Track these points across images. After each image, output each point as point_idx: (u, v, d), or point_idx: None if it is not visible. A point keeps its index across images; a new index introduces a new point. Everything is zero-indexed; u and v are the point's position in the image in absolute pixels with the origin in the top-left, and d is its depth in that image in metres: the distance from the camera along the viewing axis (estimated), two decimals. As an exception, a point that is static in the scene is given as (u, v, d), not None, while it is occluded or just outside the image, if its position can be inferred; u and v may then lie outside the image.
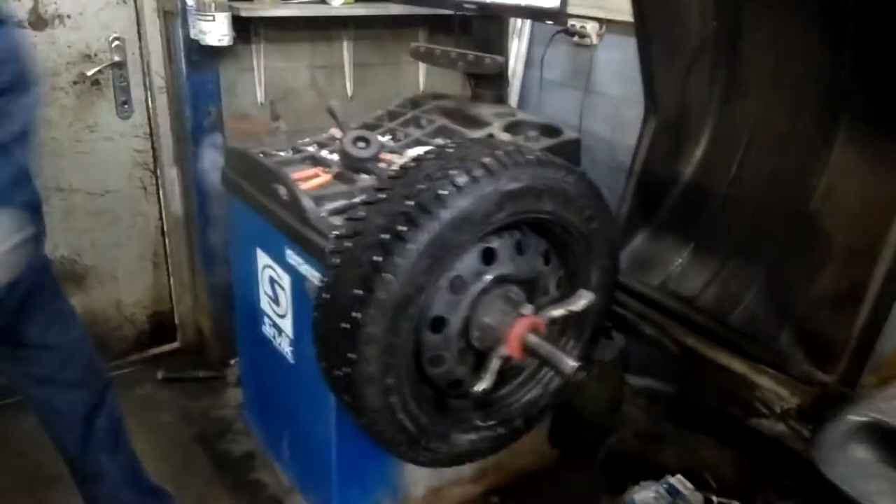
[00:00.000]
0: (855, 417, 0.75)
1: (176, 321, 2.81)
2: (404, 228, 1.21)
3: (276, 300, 1.91)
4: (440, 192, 1.22)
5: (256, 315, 2.04)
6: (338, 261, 1.29)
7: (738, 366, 1.68)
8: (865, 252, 1.62)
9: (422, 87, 2.94)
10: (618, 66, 2.38)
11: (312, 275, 1.63)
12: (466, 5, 1.98)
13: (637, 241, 2.07)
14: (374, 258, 1.22)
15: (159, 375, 2.64)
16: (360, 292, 1.22)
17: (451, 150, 1.34)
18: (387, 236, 1.22)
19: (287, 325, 1.87)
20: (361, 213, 1.30)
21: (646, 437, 1.91)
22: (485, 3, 1.94)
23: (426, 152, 1.38)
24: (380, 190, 1.31)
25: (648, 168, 2.05)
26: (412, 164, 1.34)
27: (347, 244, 1.29)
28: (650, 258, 2.05)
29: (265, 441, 2.27)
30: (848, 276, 1.66)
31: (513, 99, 2.65)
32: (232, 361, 2.65)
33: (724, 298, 1.88)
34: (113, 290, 2.56)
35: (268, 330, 2.01)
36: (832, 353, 1.56)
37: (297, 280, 1.73)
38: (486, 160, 1.27)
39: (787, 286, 1.78)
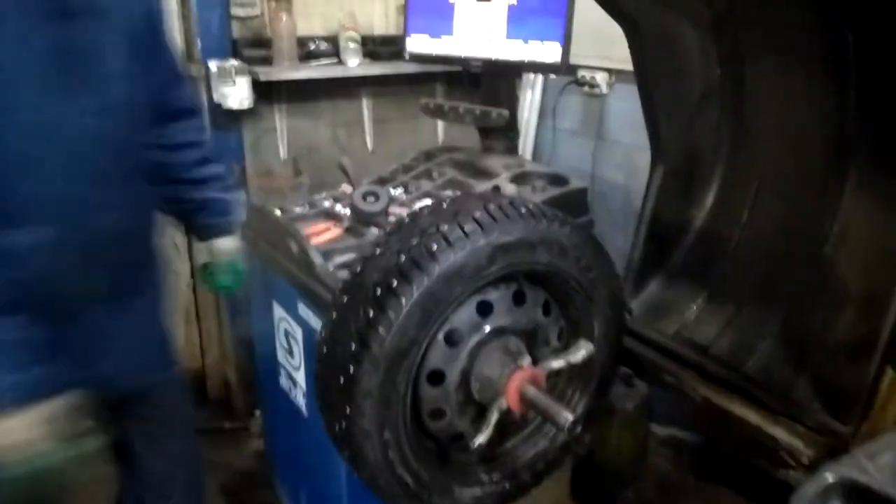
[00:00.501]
0: (831, 475, 0.73)
1: (205, 373, 2.87)
2: (396, 283, 1.23)
3: (290, 353, 1.95)
4: (431, 246, 1.25)
5: (275, 367, 2.08)
6: (335, 315, 1.32)
7: (752, 416, 1.63)
8: (881, 299, 1.58)
9: (440, 140, 3.02)
10: (629, 115, 2.40)
11: (321, 328, 1.67)
12: (473, 63, 2.04)
13: (651, 288, 2.05)
14: (369, 312, 1.24)
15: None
16: (355, 347, 1.24)
17: (445, 205, 1.37)
18: (380, 291, 1.24)
19: (301, 377, 1.91)
20: (358, 268, 1.33)
21: (664, 488, 1.85)
22: (490, 60, 2.00)
23: (422, 207, 1.41)
24: (377, 245, 1.34)
25: (659, 215, 2.04)
26: (408, 218, 1.37)
27: (344, 298, 1.32)
28: (665, 305, 2.03)
29: (285, 493, 2.29)
30: (864, 324, 1.62)
31: (528, 148, 2.69)
32: (256, 412, 2.70)
33: (739, 346, 1.84)
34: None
35: (284, 382, 2.04)
36: (848, 403, 1.51)
37: (309, 333, 1.77)
38: (478, 214, 1.29)
39: (803, 334, 1.73)
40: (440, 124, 2.98)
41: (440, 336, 1.34)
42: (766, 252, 1.89)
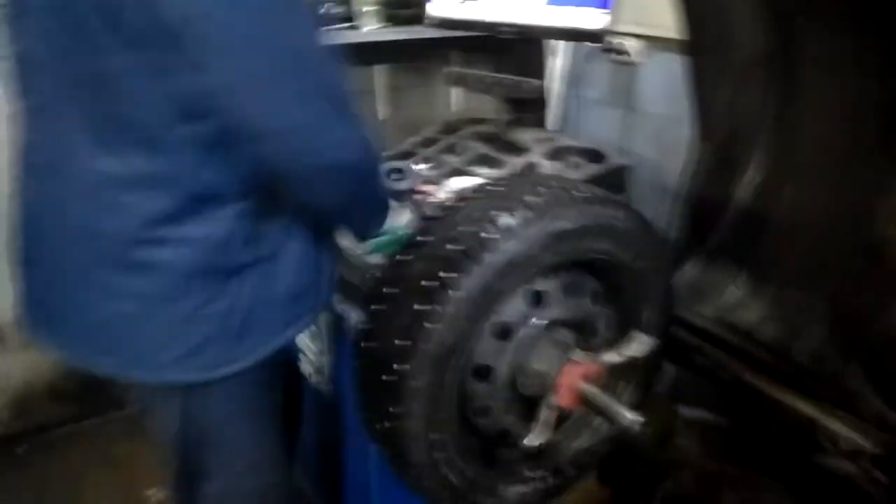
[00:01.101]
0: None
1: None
2: (447, 275, 1.14)
3: (313, 337, 1.86)
4: (483, 235, 1.15)
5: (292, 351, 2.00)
6: (378, 307, 1.23)
7: (805, 408, 1.56)
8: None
9: (454, 108, 2.89)
10: (661, 84, 2.28)
11: (349, 314, 1.58)
12: (503, 28, 1.91)
13: (688, 269, 1.96)
14: (416, 306, 1.15)
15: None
16: (403, 343, 1.15)
17: (493, 188, 1.27)
18: (429, 283, 1.15)
19: (325, 363, 1.82)
20: (401, 257, 1.23)
21: (704, 479, 1.80)
22: (523, 26, 1.87)
23: (466, 189, 1.31)
24: (419, 232, 1.24)
25: (698, 192, 1.95)
26: (452, 203, 1.27)
27: (385, 289, 1.22)
28: (703, 287, 1.94)
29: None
30: (922, 309, 1.55)
31: (552, 120, 2.57)
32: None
33: (785, 331, 1.76)
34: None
35: (305, 367, 1.96)
36: (910, 395, 1.45)
37: (334, 318, 1.68)
38: (530, 199, 1.19)
39: (854, 318, 1.66)
40: (454, 93, 2.85)
41: (488, 329, 1.25)
42: (813, 231, 1.80)
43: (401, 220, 1.54)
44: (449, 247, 1.16)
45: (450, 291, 1.13)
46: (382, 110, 2.69)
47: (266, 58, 0.96)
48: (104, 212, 1.06)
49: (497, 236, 1.15)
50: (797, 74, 1.78)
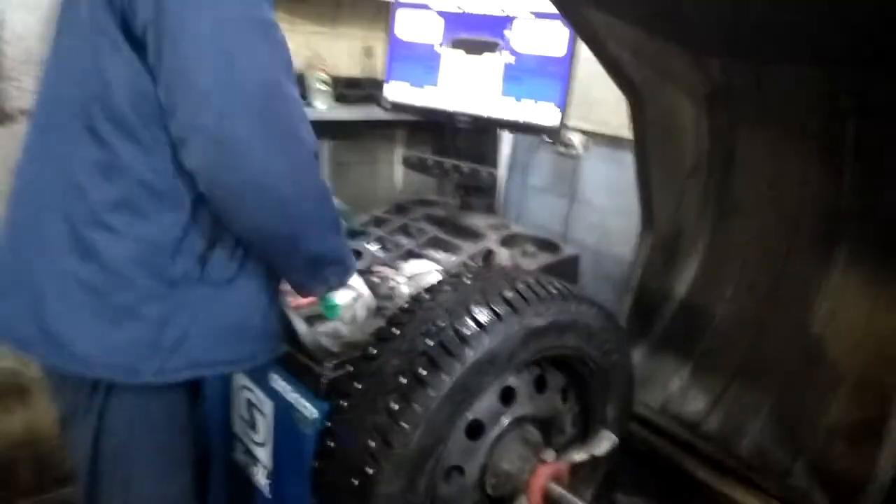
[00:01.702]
0: None
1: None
2: (425, 372, 1.10)
3: (252, 426, 1.73)
4: (463, 330, 1.12)
5: (227, 439, 1.86)
6: (346, 404, 1.16)
7: (749, 502, 1.59)
8: (877, 384, 1.59)
9: (399, 187, 2.90)
10: (603, 177, 2.38)
11: (303, 405, 1.48)
12: (461, 118, 1.94)
13: (634, 358, 2.00)
14: (391, 405, 1.09)
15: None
16: (374, 444, 1.09)
17: (468, 281, 1.25)
18: (405, 380, 1.10)
19: (265, 454, 1.70)
20: (373, 350, 1.18)
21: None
22: (479, 117, 1.91)
23: (440, 282, 1.28)
24: (392, 325, 1.20)
25: (644, 284, 2.01)
26: (426, 295, 1.24)
27: (357, 385, 1.16)
28: (648, 377, 1.98)
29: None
30: (860, 408, 1.62)
31: (496, 204, 2.62)
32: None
33: (731, 425, 1.81)
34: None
35: (241, 457, 1.82)
36: (854, 493, 1.49)
37: (283, 408, 1.57)
38: (509, 294, 1.18)
39: (797, 414, 1.72)
40: (399, 171, 2.86)
41: (461, 428, 1.20)
42: (752, 327, 1.88)
43: (344, 296, 1.42)
44: (428, 342, 1.12)
45: (429, 390, 1.09)
46: (329, 185, 2.65)
47: (212, 62, 1.01)
48: (70, 192, 1.10)
49: (478, 332, 1.12)
50: (736, 179, 1.90)
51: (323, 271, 1.26)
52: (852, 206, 1.66)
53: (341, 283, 1.32)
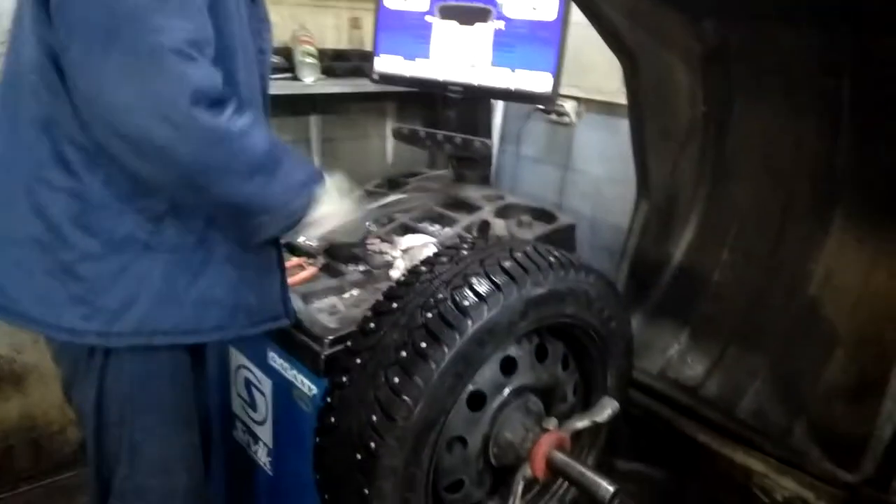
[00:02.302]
0: None
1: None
2: (425, 345, 1.09)
3: (252, 405, 1.73)
4: (462, 301, 1.11)
5: (227, 418, 1.85)
6: (346, 380, 1.15)
7: (756, 465, 1.60)
8: (874, 343, 1.60)
9: (390, 160, 2.86)
10: (597, 145, 2.36)
11: (302, 382, 1.48)
12: (452, 88, 1.91)
13: (632, 325, 2.00)
14: (393, 378, 1.08)
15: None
16: (377, 419, 1.08)
17: (466, 252, 1.24)
18: (405, 353, 1.09)
19: (266, 433, 1.70)
20: (371, 324, 1.17)
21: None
22: (472, 86, 1.88)
23: (436, 254, 1.27)
24: (391, 298, 1.19)
25: (641, 251, 2.00)
26: (424, 268, 1.22)
27: (356, 360, 1.15)
28: (646, 343, 1.98)
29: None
30: (858, 367, 1.63)
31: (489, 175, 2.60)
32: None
33: (729, 388, 1.82)
34: (56, 390, 2.30)
35: (241, 436, 1.82)
36: (853, 451, 1.51)
37: (282, 386, 1.57)
38: (508, 264, 1.17)
39: (795, 375, 1.73)
40: (390, 146, 2.83)
41: (463, 399, 1.19)
42: (749, 291, 1.88)
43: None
44: (428, 314, 1.11)
45: (430, 362, 1.08)
46: (317, 161, 2.62)
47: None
48: (19, 148, 1.12)
49: (477, 303, 1.11)
50: (731, 142, 1.88)
51: (252, 221, 1.15)
52: (848, 167, 1.65)
53: (286, 230, 1.20)
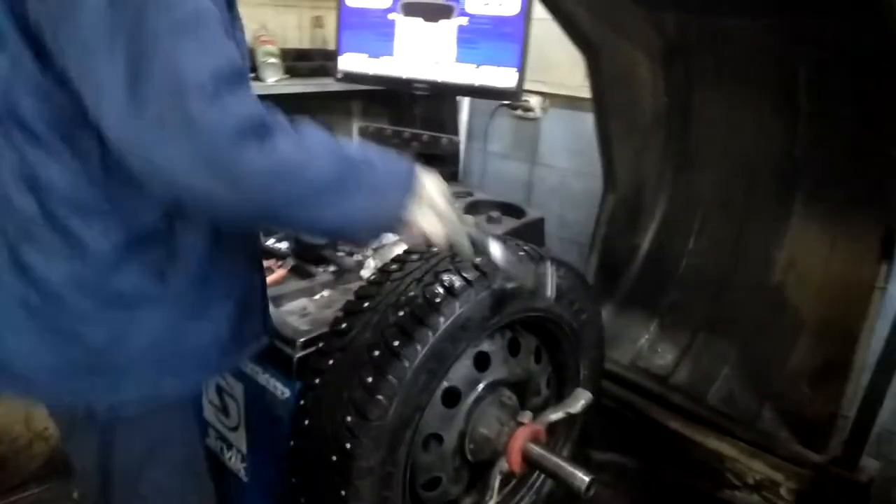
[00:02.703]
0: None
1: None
2: (398, 343, 1.08)
3: (224, 411, 1.70)
4: (434, 298, 1.11)
5: (199, 426, 1.82)
6: (319, 381, 1.15)
7: (727, 449, 1.63)
8: (837, 326, 1.64)
9: (357, 160, 2.84)
10: (563, 139, 2.37)
11: (275, 386, 1.46)
12: (417, 85, 1.91)
13: (602, 316, 2.01)
14: (366, 378, 1.08)
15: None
16: (351, 419, 1.07)
17: (435, 249, 1.23)
18: (378, 353, 1.09)
19: (239, 439, 1.67)
20: (343, 325, 1.16)
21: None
22: (437, 83, 1.88)
23: (407, 251, 1.26)
24: (362, 298, 1.18)
25: (609, 242, 2.02)
26: (394, 266, 1.22)
27: (329, 361, 1.14)
28: (617, 334, 2.00)
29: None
30: (822, 351, 1.67)
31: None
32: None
33: (699, 375, 1.85)
34: (21, 404, 2.24)
35: (213, 443, 1.78)
36: (820, 432, 1.54)
37: (254, 391, 1.54)
38: (478, 259, 1.17)
39: (761, 361, 1.77)
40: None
41: (438, 396, 1.19)
42: (715, 278, 1.91)
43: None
44: (400, 313, 1.10)
45: (403, 360, 1.08)
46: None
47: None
48: (2, 202, 0.96)
49: (449, 299, 1.11)
50: (694, 133, 1.91)
51: (346, 237, 1.06)
52: (807, 153, 1.68)
53: (379, 233, 1.04)
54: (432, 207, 0.96)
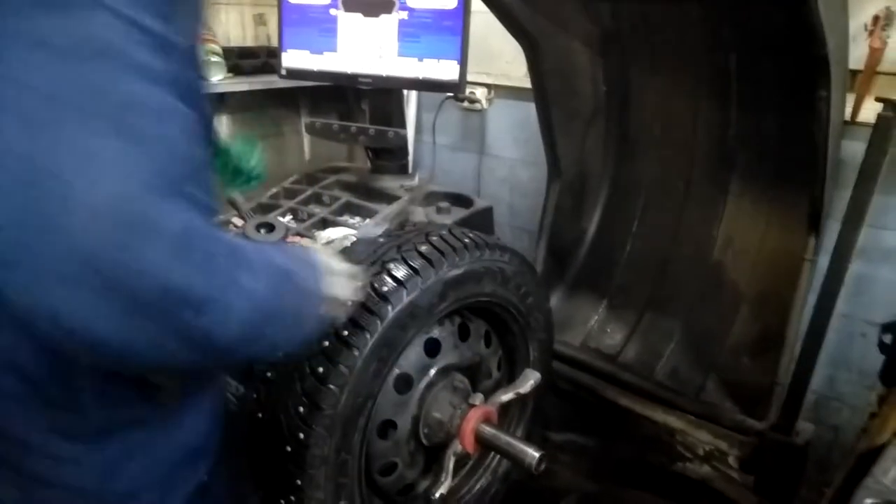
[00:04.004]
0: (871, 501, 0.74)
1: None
2: (347, 332, 1.10)
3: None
4: (381, 287, 1.13)
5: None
6: (270, 374, 1.16)
7: (674, 422, 1.69)
8: (773, 298, 1.71)
9: (307, 157, 2.84)
10: (509, 129, 2.41)
11: (229, 383, 1.46)
12: (362, 80, 1.92)
13: (553, 300, 2.07)
14: (317, 368, 1.10)
15: None
16: (304, 409, 1.09)
17: (382, 239, 1.26)
18: (328, 343, 1.10)
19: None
20: (293, 318, 1.17)
21: (587, 500, 1.87)
22: (381, 77, 1.89)
23: (354, 243, 1.28)
24: (311, 290, 1.19)
25: (556, 229, 2.07)
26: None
27: (280, 354, 1.15)
28: (568, 317, 2.06)
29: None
30: (760, 322, 1.75)
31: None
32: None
33: (646, 352, 1.91)
34: None
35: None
36: (760, 400, 1.62)
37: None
38: (424, 248, 1.20)
39: (705, 336, 1.84)
40: (307, 142, 2.81)
41: (390, 383, 1.22)
42: (658, 259, 1.98)
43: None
44: (347, 303, 1.12)
45: (353, 349, 1.10)
46: (231, 162, 2.58)
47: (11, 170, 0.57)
48: None
49: (395, 287, 1.14)
50: (633, 120, 1.97)
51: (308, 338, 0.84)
52: (740, 135, 1.76)
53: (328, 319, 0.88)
54: (335, 275, 0.88)
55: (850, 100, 1.66)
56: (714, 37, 1.66)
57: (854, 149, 1.59)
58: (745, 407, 1.65)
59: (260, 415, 1.16)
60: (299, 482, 1.11)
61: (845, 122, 1.64)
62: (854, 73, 1.67)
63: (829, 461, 1.86)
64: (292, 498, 1.13)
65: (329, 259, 0.89)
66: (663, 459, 1.92)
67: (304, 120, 2.65)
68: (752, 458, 1.55)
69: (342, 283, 0.89)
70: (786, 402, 1.50)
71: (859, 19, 1.64)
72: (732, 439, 1.58)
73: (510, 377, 1.48)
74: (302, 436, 1.09)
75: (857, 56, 1.65)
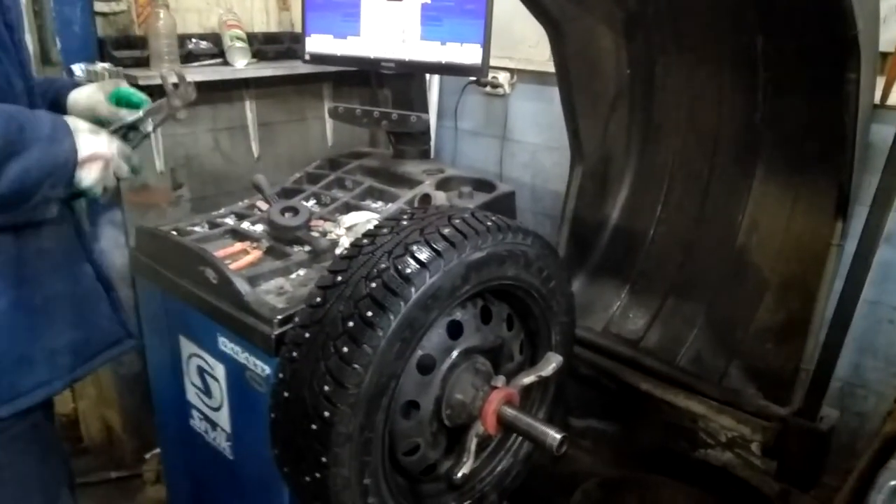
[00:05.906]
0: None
1: (79, 418, 2.52)
2: (371, 314, 1.12)
3: (207, 392, 1.73)
4: (405, 269, 1.15)
5: (182, 408, 1.85)
6: (296, 354, 1.18)
7: (696, 408, 1.69)
8: (798, 284, 1.70)
9: (330, 142, 2.86)
10: (532, 114, 2.41)
11: (255, 364, 1.49)
12: (384, 64, 1.92)
13: (575, 286, 2.07)
14: (342, 348, 1.11)
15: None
16: (329, 388, 1.11)
17: (406, 222, 1.27)
18: (352, 323, 1.12)
19: (223, 418, 1.70)
20: (318, 299, 1.19)
21: (609, 486, 1.88)
22: (403, 62, 1.90)
23: (377, 226, 1.29)
24: (335, 272, 1.21)
25: (579, 214, 2.07)
26: (366, 240, 1.25)
27: (305, 334, 1.17)
28: (590, 302, 2.06)
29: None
30: (785, 308, 1.74)
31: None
32: (147, 455, 2.40)
33: (669, 338, 1.91)
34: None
35: (198, 424, 1.82)
36: (784, 386, 1.61)
37: (235, 370, 1.58)
38: (447, 231, 1.21)
39: (728, 321, 1.83)
40: (329, 127, 2.82)
41: (414, 364, 1.23)
42: (682, 244, 1.97)
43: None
44: (372, 284, 1.14)
45: (377, 330, 1.11)
46: (256, 147, 2.60)
47: None
48: None
49: (419, 269, 1.15)
50: (657, 104, 1.95)
51: (39, 196, 1.04)
52: (765, 119, 1.74)
53: (70, 183, 1.07)
54: (93, 133, 1.10)
55: (880, 83, 1.63)
56: (740, 18, 1.64)
57: (883, 133, 1.57)
58: (769, 393, 1.64)
59: (286, 394, 1.18)
60: (324, 459, 1.13)
61: (875, 106, 1.61)
62: (884, 55, 1.64)
63: (854, 449, 1.84)
64: (317, 475, 1.15)
65: (75, 120, 1.10)
66: (685, 445, 1.91)
67: (328, 105, 2.66)
68: (775, 444, 1.54)
69: (85, 138, 1.08)
70: (810, 388, 1.49)
71: (890, 1, 1.60)
72: (755, 425, 1.58)
73: (532, 360, 1.49)
74: (327, 414, 1.11)
75: (888, 38, 1.62)
